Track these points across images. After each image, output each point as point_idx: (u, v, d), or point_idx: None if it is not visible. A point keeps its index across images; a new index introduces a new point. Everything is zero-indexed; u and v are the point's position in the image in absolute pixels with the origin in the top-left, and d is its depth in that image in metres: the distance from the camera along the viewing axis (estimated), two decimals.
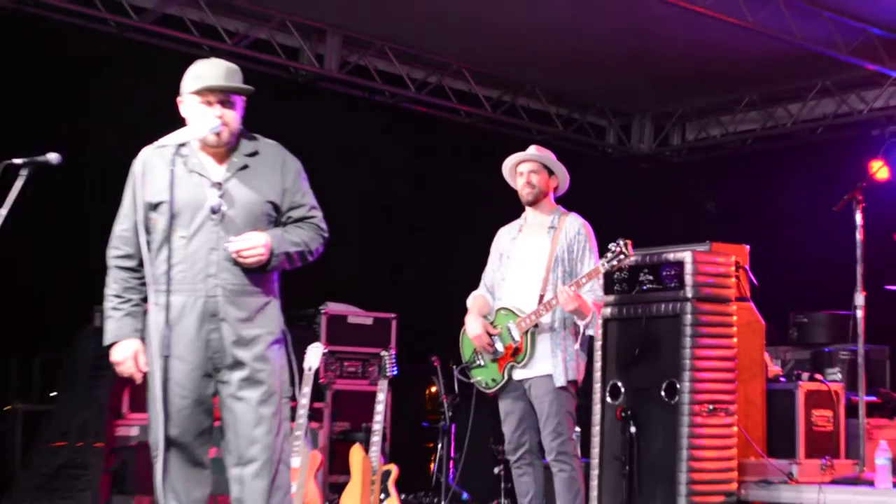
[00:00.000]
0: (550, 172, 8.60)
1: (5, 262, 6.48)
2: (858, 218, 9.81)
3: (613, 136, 15.53)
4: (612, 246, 8.18)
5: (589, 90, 14.96)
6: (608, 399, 8.95)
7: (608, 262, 8.19)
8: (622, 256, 8.07)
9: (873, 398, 10.35)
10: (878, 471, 8.80)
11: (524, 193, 8.59)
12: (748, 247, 9.20)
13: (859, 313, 9.97)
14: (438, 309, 9.31)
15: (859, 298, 9.87)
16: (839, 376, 10.30)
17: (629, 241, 8.26)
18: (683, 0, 11.19)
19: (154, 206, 6.05)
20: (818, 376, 10.29)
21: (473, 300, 8.69)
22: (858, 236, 9.81)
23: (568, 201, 8.81)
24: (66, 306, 10.46)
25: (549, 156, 8.66)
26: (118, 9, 11.68)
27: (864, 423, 9.98)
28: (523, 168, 8.60)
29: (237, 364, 6.02)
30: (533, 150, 8.71)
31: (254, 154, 6.21)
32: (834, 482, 9.25)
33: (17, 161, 6.31)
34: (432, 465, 11.57)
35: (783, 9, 11.82)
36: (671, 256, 8.88)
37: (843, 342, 10.56)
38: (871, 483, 8.85)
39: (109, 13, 11.64)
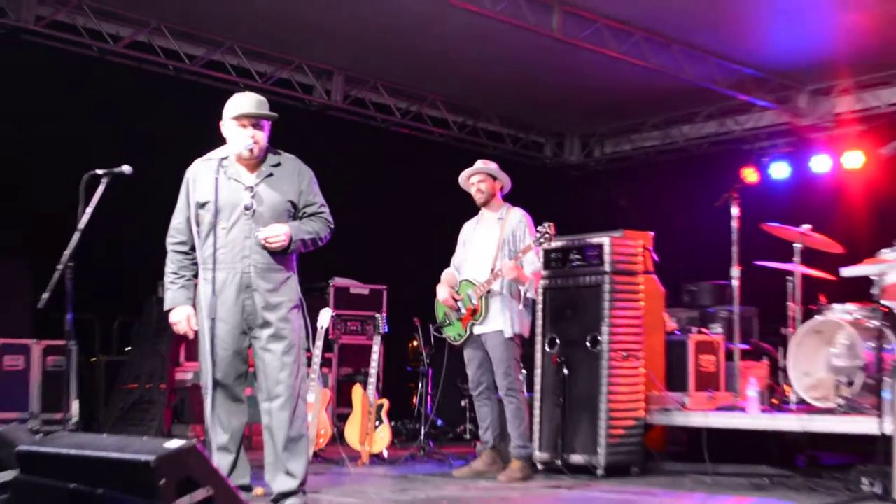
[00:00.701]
0: (495, 178, 8.62)
1: (92, 248, 6.40)
2: (734, 211, 9.80)
3: (550, 150, 15.47)
4: (539, 228, 8.32)
5: (532, 116, 14.93)
6: (547, 348, 8.92)
7: (537, 240, 8.33)
8: (547, 235, 8.25)
9: (745, 346, 10.37)
10: (749, 400, 8.77)
11: (476, 198, 8.70)
12: (652, 233, 9.20)
13: (735, 283, 9.96)
14: (419, 283, 9.28)
15: (735, 271, 9.85)
16: (720, 330, 10.33)
17: (552, 224, 8.37)
18: (605, 49, 11.17)
19: (202, 205, 6.14)
20: (704, 330, 10.33)
21: (444, 275, 8.72)
22: (734, 224, 9.79)
23: (515, 199, 8.82)
24: (136, 281, 10.37)
25: (492, 166, 8.75)
26: (175, 55, 11.65)
27: (738, 365, 10.00)
28: (473, 179, 8.69)
29: (266, 324, 6.11)
30: (480, 163, 8.78)
31: (277, 165, 6.27)
32: (716, 409, 9.26)
33: (99, 172, 6.31)
34: (415, 400, 11.53)
35: (679, 55, 11.81)
36: (594, 241, 8.85)
37: (722, 304, 10.59)
38: (743, 409, 8.84)
39: (168, 59, 11.63)
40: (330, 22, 11.19)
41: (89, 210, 6.33)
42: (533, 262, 8.52)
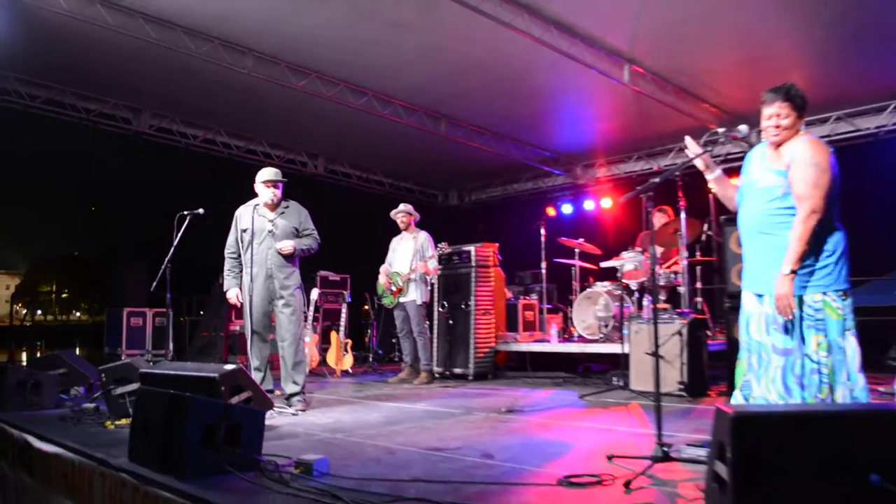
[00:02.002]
0: (411, 214, 8.62)
1: (181, 255, 6.32)
2: (542, 231, 9.90)
3: (440, 197, 15.43)
4: (438, 245, 8.37)
5: (430, 178, 14.92)
6: (440, 309, 8.90)
7: (436, 252, 8.42)
8: (439, 249, 8.40)
9: (549, 306, 10.42)
10: (551, 336, 8.85)
11: (400, 225, 8.69)
12: (497, 244, 9.19)
13: (543, 271, 10.07)
14: (368, 273, 9.22)
15: (543, 265, 9.93)
16: (536, 297, 10.36)
17: (446, 243, 8.40)
18: (470, 142, 11.23)
19: (243, 231, 6.11)
20: (527, 298, 10.37)
21: (382, 268, 8.63)
22: (542, 238, 9.90)
23: (422, 225, 8.78)
24: (210, 274, 10.22)
25: (409, 207, 8.69)
26: (227, 146, 11.50)
27: (546, 317, 10.09)
28: (399, 214, 8.65)
29: (281, 297, 6.08)
30: (402, 206, 8.71)
31: (287, 207, 6.27)
32: (534, 341, 9.33)
33: (185, 213, 6.21)
34: (366, 339, 11.48)
35: (510, 145, 11.89)
36: (466, 248, 8.84)
37: (537, 283, 10.59)
38: (548, 341, 8.91)
39: (224, 148, 11.48)
40: (317, 127, 11.14)
41: (179, 234, 6.26)
42: (433, 263, 8.54)
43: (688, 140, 3.82)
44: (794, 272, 3.32)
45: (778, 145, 3.54)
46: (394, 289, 8.46)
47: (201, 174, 11.21)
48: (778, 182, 3.45)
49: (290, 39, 8.28)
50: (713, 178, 3.81)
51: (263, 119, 10.88)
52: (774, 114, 3.49)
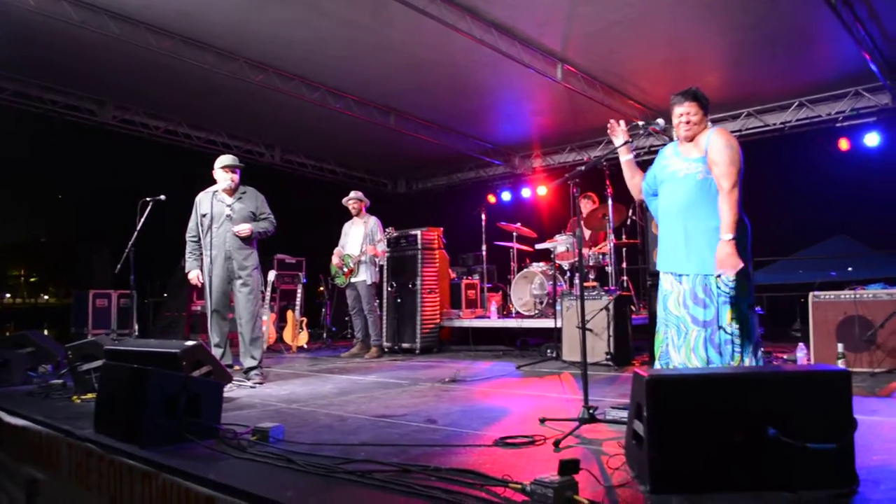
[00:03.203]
0: (361, 200, 8.59)
1: (144, 239, 6.19)
2: (483, 216, 9.95)
3: (390, 186, 15.35)
4: (387, 230, 8.45)
5: (381, 168, 14.88)
6: (388, 289, 8.91)
7: (384, 236, 8.47)
8: (387, 233, 8.54)
9: (490, 285, 10.48)
10: (491, 312, 8.92)
11: (352, 211, 8.65)
12: (441, 228, 9.22)
13: (483, 253, 10.13)
14: (322, 256, 9.17)
15: (483, 248, 10.00)
16: (477, 277, 10.40)
17: (392, 227, 8.44)
18: (417, 134, 11.21)
19: (203, 215, 6.01)
20: (470, 278, 10.42)
21: (335, 251, 8.58)
22: (483, 224, 9.94)
23: (373, 210, 8.77)
24: (172, 257, 10.00)
25: (360, 194, 8.67)
26: (188, 136, 11.27)
27: (487, 295, 10.16)
28: (350, 201, 8.62)
29: (239, 277, 6.02)
30: (353, 193, 8.70)
31: (244, 193, 6.17)
32: (476, 317, 9.39)
33: (147, 199, 6.08)
34: (320, 317, 11.43)
35: (455, 136, 11.90)
36: (412, 232, 8.85)
37: (478, 264, 10.62)
38: (489, 317, 8.98)
39: (186, 139, 11.24)
40: (274, 119, 10.98)
41: (142, 220, 6.13)
42: (382, 246, 8.52)
43: (615, 122, 3.91)
44: (733, 238, 3.40)
45: (690, 139, 3.69)
46: (346, 270, 8.43)
47: (163, 163, 10.94)
48: (698, 168, 3.58)
49: (249, 36, 8.14)
50: (627, 160, 3.97)
51: (223, 111, 10.68)
52: (684, 112, 3.68)
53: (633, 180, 3.96)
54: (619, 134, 3.93)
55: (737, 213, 3.42)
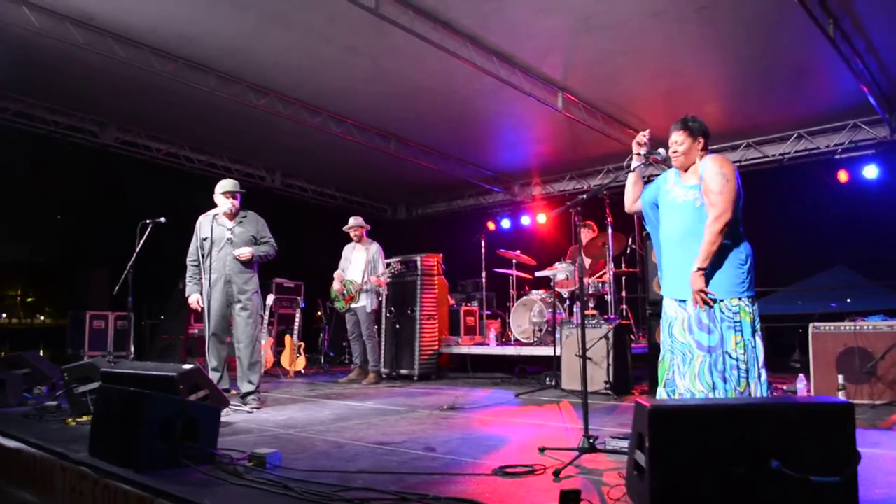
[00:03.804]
0: (362, 226, 8.59)
1: (142, 262, 6.18)
2: (482, 243, 9.95)
3: (390, 211, 15.35)
4: (389, 261, 8.43)
5: (381, 194, 14.90)
6: (388, 314, 8.89)
7: (387, 268, 8.48)
8: (391, 268, 8.52)
9: (489, 312, 10.47)
10: (490, 340, 8.90)
11: (353, 237, 8.64)
12: (441, 255, 9.22)
13: (483, 280, 10.12)
14: (321, 281, 9.16)
15: (483, 274, 10.00)
16: (476, 304, 10.37)
17: (397, 261, 8.51)
18: (417, 160, 11.24)
19: (204, 239, 6.00)
20: (469, 305, 10.40)
21: (336, 275, 8.55)
22: (483, 250, 9.95)
23: (373, 235, 8.78)
24: (171, 279, 9.96)
25: (360, 220, 8.67)
26: (190, 160, 11.30)
27: (486, 322, 10.14)
28: (350, 230, 8.61)
29: (238, 301, 6.00)
30: (353, 220, 8.70)
31: (245, 216, 6.18)
32: (474, 344, 9.36)
33: (147, 221, 6.08)
34: (318, 343, 11.38)
35: (456, 164, 11.93)
36: (413, 258, 8.86)
37: (478, 291, 10.60)
38: (487, 344, 8.96)
39: (187, 161, 11.27)
40: (275, 144, 11.02)
41: (141, 242, 6.12)
42: (384, 276, 8.49)
43: (643, 136, 3.88)
44: (702, 269, 3.45)
45: (682, 167, 3.75)
46: (346, 295, 8.41)
47: (164, 185, 10.94)
48: (694, 195, 3.62)
49: (251, 61, 8.19)
50: (634, 171, 3.95)
51: (224, 134, 10.72)
52: (674, 141, 3.74)
53: (635, 189, 3.98)
54: (644, 147, 3.88)
55: (713, 245, 3.46)
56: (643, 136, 3.88)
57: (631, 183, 3.99)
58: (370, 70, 8.25)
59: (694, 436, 2.43)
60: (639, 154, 3.87)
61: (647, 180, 4.10)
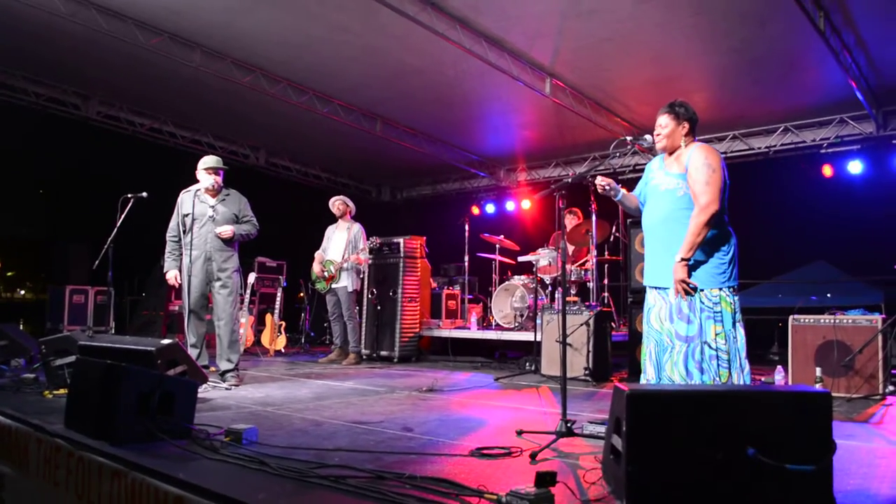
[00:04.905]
0: (347, 205, 8.55)
1: (123, 237, 6.13)
2: (466, 227, 9.94)
3: (374, 193, 15.28)
4: (370, 239, 8.37)
5: (366, 175, 14.82)
6: (369, 296, 8.87)
7: (367, 245, 8.39)
8: (370, 242, 8.46)
9: (471, 296, 10.46)
10: (472, 323, 8.91)
11: (336, 213, 8.56)
12: (424, 238, 9.20)
13: (466, 264, 10.11)
14: (303, 261, 9.11)
15: (465, 258, 9.98)
16: (458, 287, 10.35)
17: (376, 237, 8.41)
18: (401, 142, 11.19)
19: (185, 215, 5.95)
20: (451, 289, 10.38)
21: (317, 255, 8.48)
22: (466, 235, 9.93)
23: (358, 217, 8.72)
24: (152, 255, 9.82)
25: (346, 198, 8.59)
26: (173, 135, 11.18)
27: (467, 306, 10.14)
28: (335, 203, 8.56)
29: (218, 279, 5.96)
30: (340, 196, 8.64)
31: (228, 195, 6.12)
32: (455, 328, 9.36)
33: (129, 195, 6.02)
34: (299, 322, 11.34)
35: (441, 147, 11.88)
36: (395, 240, 8.82)
37: (460, 275, 10.57)
38: (469, 328, 8.96)
39: (170, 137, 11.14)
40: (260, 122, 10.92)
41: (122, 217, 6.07)
42: (364, 253, 8.45)
43: (600, 180, 3.84)
44: (685, 260, 3.44)
45: (669, 152, 3.74)
46: (327, 275, 8.37)
47: (146, 160, 10.81)
48: (678, 184, 3.60)
49: (237, 36, 8.09)
50: (619, 199, 3.95)
51: (208, 111, 10.61)
52: (659, 124, 3.74)
53: (632, 206, 3.98)
54: (608, 191, 3.86)
55: (698, 236, 3.45)
56: (602, 181, 3.81)
57: (627, 206, 3.98)
58: (358, 50, 8.18)
59: (671, 421, 2.43)
60: (604, 188, 3.82)
61: (634, 169, 4.10)
